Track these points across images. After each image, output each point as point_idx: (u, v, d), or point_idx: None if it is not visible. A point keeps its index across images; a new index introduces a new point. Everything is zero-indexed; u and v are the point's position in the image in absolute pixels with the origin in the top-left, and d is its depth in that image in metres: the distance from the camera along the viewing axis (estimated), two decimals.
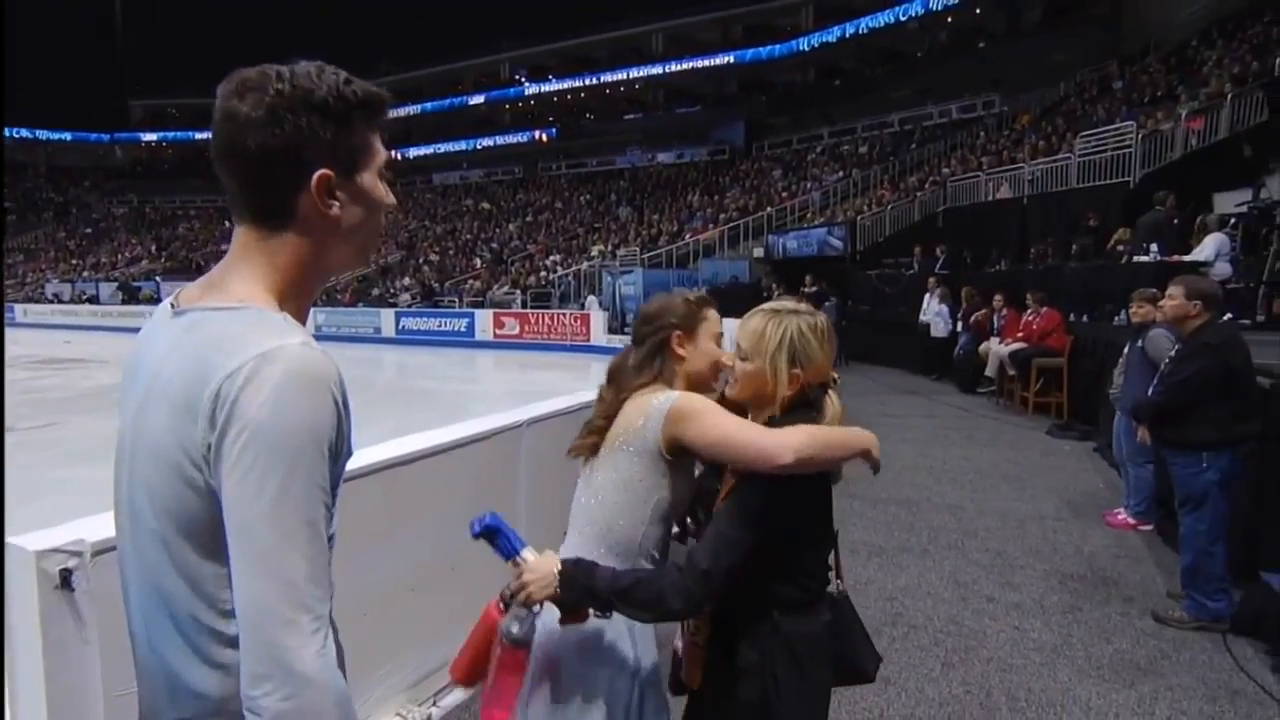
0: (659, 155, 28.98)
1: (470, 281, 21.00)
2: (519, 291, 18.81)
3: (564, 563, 1.13)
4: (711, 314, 1.42)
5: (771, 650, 1.15)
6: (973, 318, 9.13)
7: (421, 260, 25.13)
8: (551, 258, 21.77)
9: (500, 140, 31.88)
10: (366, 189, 0.82)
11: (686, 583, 1.07)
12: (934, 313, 9.97)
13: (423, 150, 33.56)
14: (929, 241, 12.44)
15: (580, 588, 1.11)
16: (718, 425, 1.20)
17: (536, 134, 30.91)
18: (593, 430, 1.33)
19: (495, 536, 1.14)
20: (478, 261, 23.53)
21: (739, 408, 1.28)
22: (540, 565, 1.13)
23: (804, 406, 1.22)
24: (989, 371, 8.14)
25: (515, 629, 1.11)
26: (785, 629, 1.15)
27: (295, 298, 0.82)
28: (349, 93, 0.79)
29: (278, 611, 0.69)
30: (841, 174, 20.53)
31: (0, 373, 1.54)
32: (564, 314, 16.01)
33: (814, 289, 12.59)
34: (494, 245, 24.97)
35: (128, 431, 0.81)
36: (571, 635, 1.21)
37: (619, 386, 1.35)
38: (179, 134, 36.82)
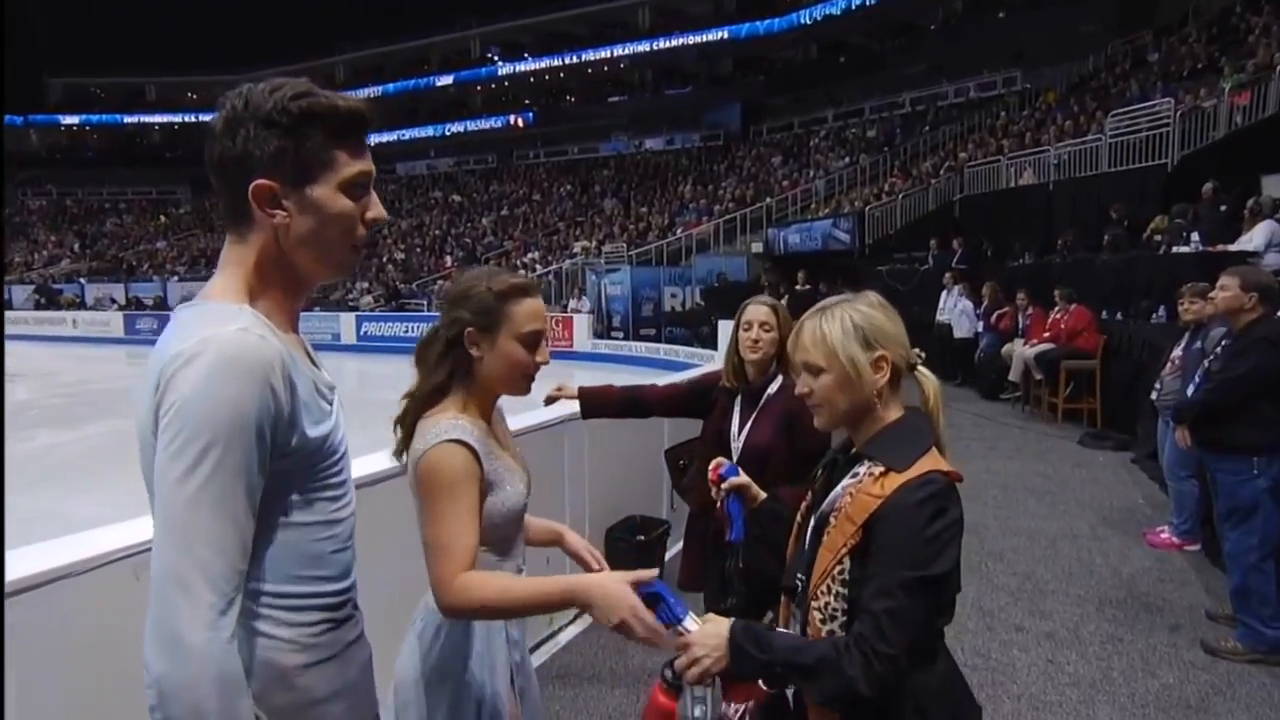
0: (647, 141, 29.07)
1: (439, 282, 21.01)
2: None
3: (734, 632, 1.08)
4: (527, 305, 1.30)
5: (896, 707, 1.08)
6: (995, 316, 9.16)
7: (385, 259, 25.08)
8: (530, 255, 21.83)
9: (471, 125, 31.94)
10: (318, 201, 0.94)
11: (877, 670, 1.02)
12: (957, 310, 10.01)
13: (385, 137, 33.45)
14: (945, 233, 12.48)
15: (754, 663, 1.07)
16: (435, 518, 1.17)
17: (511, 118, 31.01)
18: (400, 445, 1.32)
19: (656, 605, 1.10)
20: (448, 260, 23.54)
21: (821, 441, 1.24)
22: (708, 637, 1.09)
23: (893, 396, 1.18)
24: (1013, 376, 8.17)
25: (698, 712, 1.10)
26: (908, 681, 1.07)
27: (265, 298, 0.95)
28: (294, 106, 0.91)
29: (174, 578, 0.80)
30: (848, 160, 20.67)
31: (1, 372, 1.68)
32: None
33: (806, 287, 12.58)
34: (466, 242, 24.97)
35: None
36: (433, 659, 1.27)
37: (413, 390, 1.33)
38: (105, 117, 35.79)
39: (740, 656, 1.07)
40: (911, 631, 1.02)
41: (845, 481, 1.15)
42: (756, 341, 2.10)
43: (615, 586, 1.08)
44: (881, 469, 1.10)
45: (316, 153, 0.93)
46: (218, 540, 0.81)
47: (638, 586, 1.09)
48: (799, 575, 1.17)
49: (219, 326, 0.87)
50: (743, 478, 1.44)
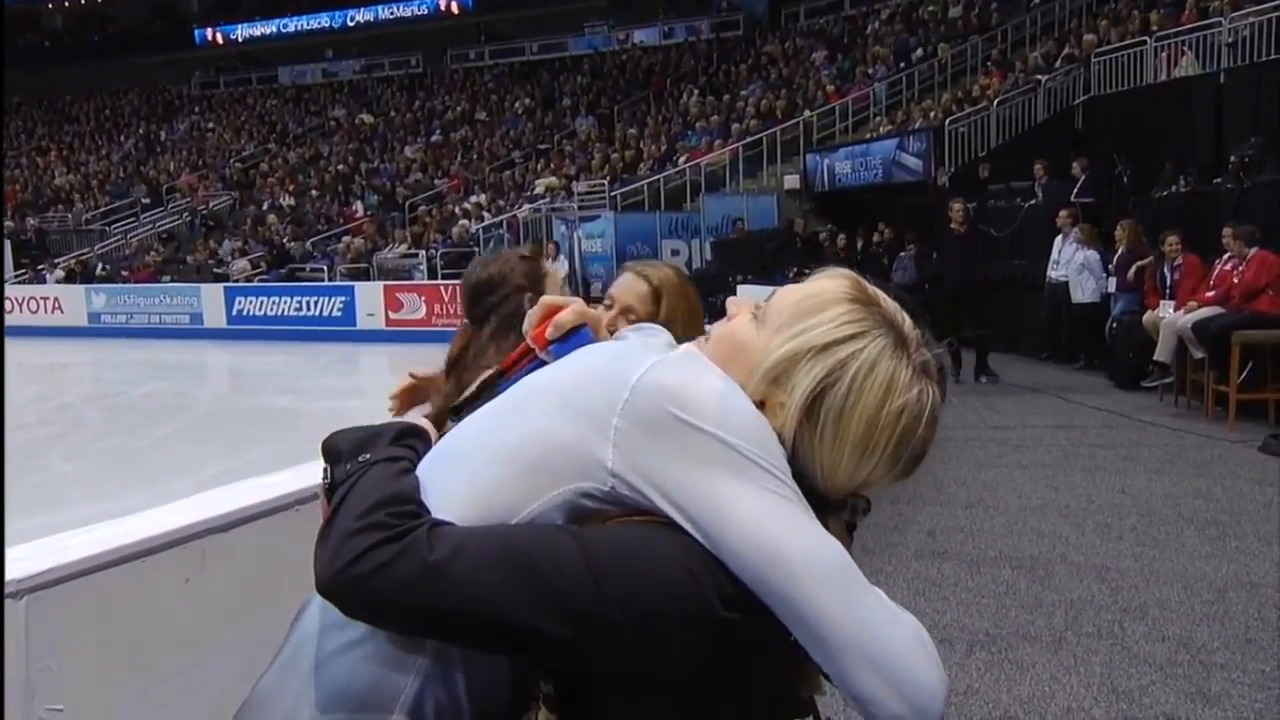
0: (635, 33, 28.98)
1: (346, 239, 20.92)
2: (423, 253, 18.80)
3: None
4: (549, 267, 1.82)
5: None
6: (1133, 270, 9.13)
7: (265, 206, 24.98)
8: (474, 198, 21.81)
9: (385, 12, 31.81)
10: None
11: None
12: (1077, 263, 10.05)
13: (259, 28, 33.19)
14: (1061, 153, 12.45)
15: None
16: None
17: (443, 2, 30.90)
18: None
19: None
20: (358, 207, 23.52)
21: None
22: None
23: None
24: (1160, 355, 8.18)
25: None
26: None
27: None
28: None
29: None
30: (921, 53, 20.52)
31: (1, 372, 1.90)
32: None
33: (881, 240, 12.64)
34: (381, 182, 24.83)
35: None
36: None
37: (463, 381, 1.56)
38: None
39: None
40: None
41: None
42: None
43: None
44: None
45: None
46: None
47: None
48: None
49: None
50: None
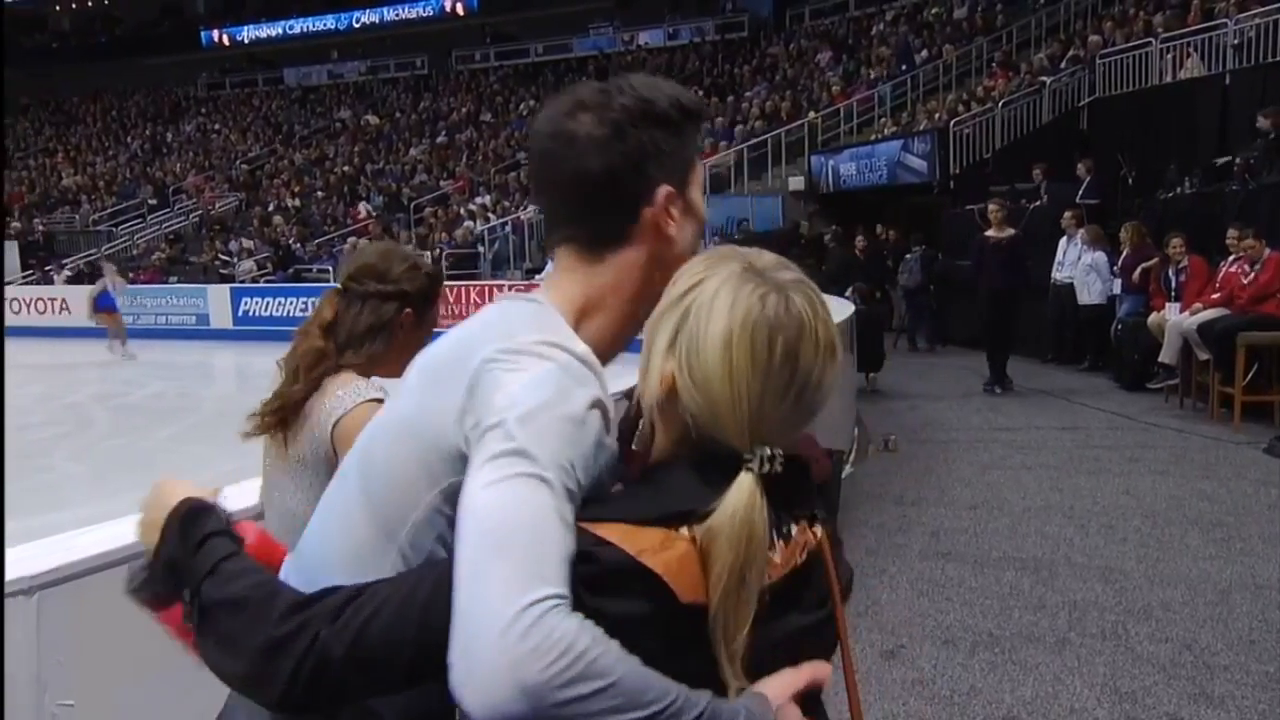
0: (640, 35, 29.00)
1: (352, 240, 20.89)
2: (428, 254, 18.73)
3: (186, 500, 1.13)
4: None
5: None
6: (1138, 272, 9.12)
7: (271, 207, 25.04)
8: (479, 200, 21.83)
9: (391, 14, 31.77)
10: (696, 204, 1.18)
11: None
12: (1083, 265, 10.05)
13: (265, 30, 33.24)
14: (1066, 154, 12.40)
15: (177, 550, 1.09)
16: None
17: (447, 3, 30.92)
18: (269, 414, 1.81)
19: None
20: (362, 209, 23.52)
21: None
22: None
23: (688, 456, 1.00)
24: (1165, 356, 8.16)
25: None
26: None
27: (597, 333, 1.13)
28: (685, 102, 1.15)
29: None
30: (926, 54, 20.52)
31: (0, 373, 2.03)
32: (501, 287, 15.93)
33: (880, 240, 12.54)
34: (387, 183, 24.89)
35: None
36: None
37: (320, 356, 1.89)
38: None
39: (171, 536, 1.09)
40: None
41: None
42: None
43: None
44: None
45: (693, 152, 1.17)
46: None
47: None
48: None
49: (547, 334, 1.04)
50: None
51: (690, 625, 0.92)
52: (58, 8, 36.00)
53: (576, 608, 0.88)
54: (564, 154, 1.11)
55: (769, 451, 0.96)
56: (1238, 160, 9.68)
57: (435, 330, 1.60)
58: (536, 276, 16.18)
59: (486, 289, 16.11)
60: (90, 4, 35.75)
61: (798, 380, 0.97)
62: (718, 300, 0.98)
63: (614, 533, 0.93)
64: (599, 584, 0.91)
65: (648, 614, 0.91)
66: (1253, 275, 7.51)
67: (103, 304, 15.48)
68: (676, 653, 0.91)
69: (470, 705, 0.85)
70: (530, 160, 1.21)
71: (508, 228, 19.09)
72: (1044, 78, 15.85)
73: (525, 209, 19.80)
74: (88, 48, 35.43)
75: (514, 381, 0.97)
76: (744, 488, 0.94)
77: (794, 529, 1.01)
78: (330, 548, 1.10)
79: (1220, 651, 3.68)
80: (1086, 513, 5.40)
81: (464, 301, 15.78)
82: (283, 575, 1.12)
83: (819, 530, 1.06)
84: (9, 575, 1.57)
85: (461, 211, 21.22)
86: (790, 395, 0.97)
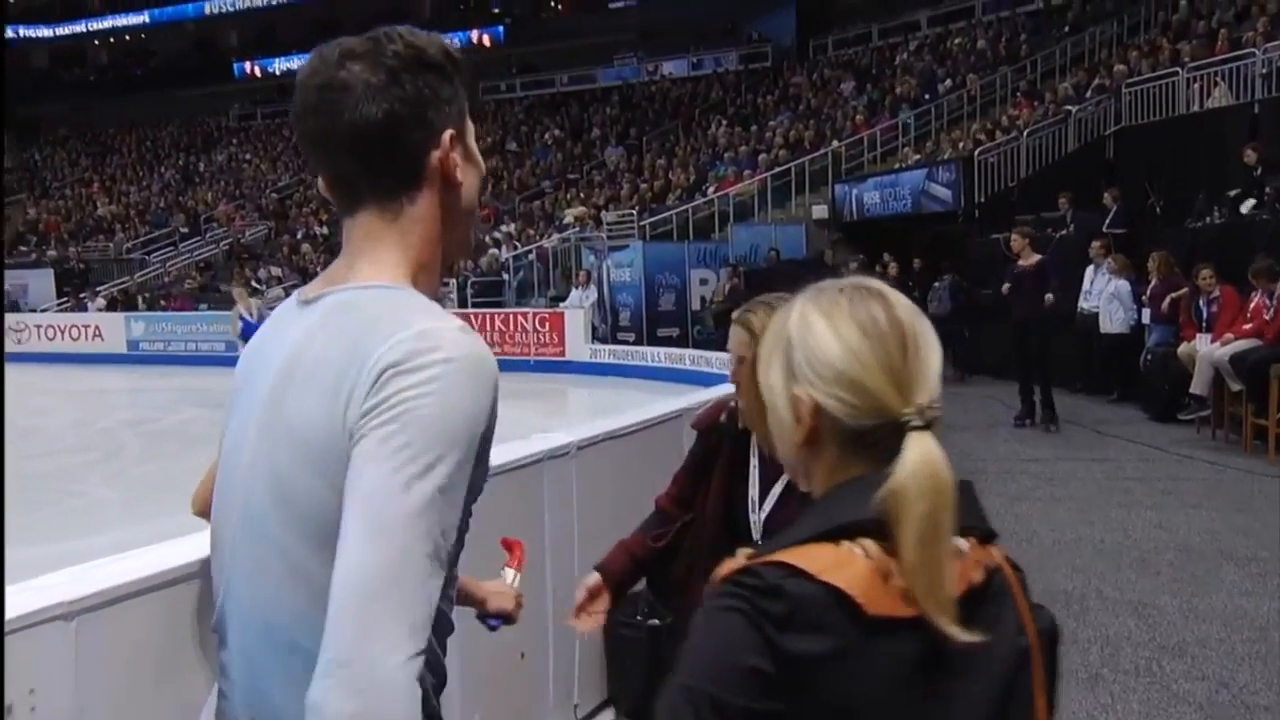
0: (664, 65, 29.15)
1: None
2: (454, 281, 18.95)
3: None
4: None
5: None
6: (1167, 301, 9.08)
7: (300, 235, 25.34)
8: (504, 228, 21.99)
9: None
10: (474, 150, 1.18)
11: None
12: (1109, 294, 10.02)
13: (295, 62, 32.70)
14: (1092, 184, 12.38)
15: None
16: None
17: (474, 35, 31.22)
18: None
19: None
20: None
21: None
22: None
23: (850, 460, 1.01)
24: (1196, 387, 8.12)
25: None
26: None
27: (425, 287, 1.13)
28: (452, 50, 1.14)
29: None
30: (950, 83, 20.56)
31: (0, 375, 2.01)
32: (524, 314, 16.03)
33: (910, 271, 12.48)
34: None
35: (250, 428, 1.12)
36: None
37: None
38: None
39: None
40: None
41: None
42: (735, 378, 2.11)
43: None
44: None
45: (464, 102, 1.15)
46: (427, 570, 0.98)
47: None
48: None
49: (436, 320, 1.03)
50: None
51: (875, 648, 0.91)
52: (95, 42, 36.86)
53: (764, 644, 0.88)
54: (340, 104, 1.06)
55: (924, 400, 0.98)
56: (1268, 189, 9.62)
57: None
58: (561, 304, 16.29)
59: (511, 316, 16.23)
60: (127, 38, 36.56)
61: (908, 336, 1.00)
62: (806, 314, 1.02)
63: (789, 557, 0.93)
64: (785, 620, 0.90)
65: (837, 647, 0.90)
66: (1274, 307, 7.49)
67: (246, 335, 14.65)
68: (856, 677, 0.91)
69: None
70: (299, 118, 1.11)
71: (532, 255, 19.23)
72: (1069, 106, 15.88)
73: (549, 237, 19.97)
74: (124, 80, 36.19)
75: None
76: (915, 442, 0.96)
77: (963, 544, 0.99)
78: (295, 605, 1.04)
79: (1259, 691, 3.62)
80: (1118, 546, 5.37)
81: (489, 328, 15.86)
82: (258, 656, 1.10)
83: (996, 551, 1.02)
84: (48, 601, 1.58)
85: (486, 239, 21.37)
86: (909, 350, 1.00)
